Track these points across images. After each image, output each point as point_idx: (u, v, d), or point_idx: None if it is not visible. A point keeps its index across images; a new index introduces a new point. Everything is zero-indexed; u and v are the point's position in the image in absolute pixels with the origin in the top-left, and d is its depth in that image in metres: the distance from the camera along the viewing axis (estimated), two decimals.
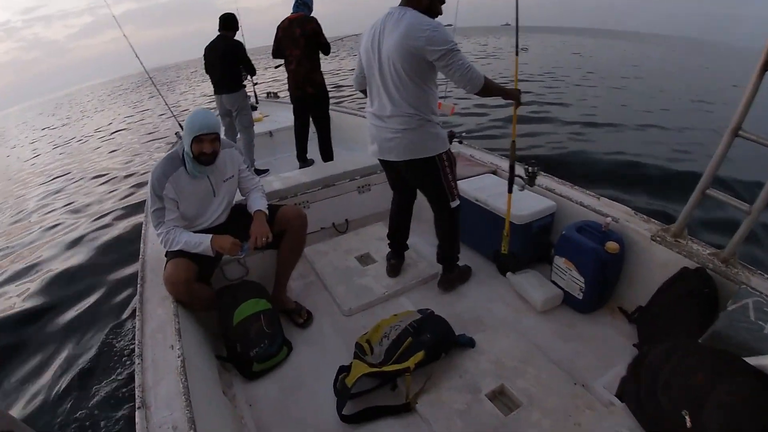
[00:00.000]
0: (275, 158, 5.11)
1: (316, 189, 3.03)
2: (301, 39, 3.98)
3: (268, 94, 6.96)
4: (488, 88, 1.95)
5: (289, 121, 4.59)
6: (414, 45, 1.85)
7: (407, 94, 1.98)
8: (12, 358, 3.23)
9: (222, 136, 2.21)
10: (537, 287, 2.42)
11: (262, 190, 2.38)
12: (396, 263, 2.65)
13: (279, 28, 4.12)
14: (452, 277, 2.56)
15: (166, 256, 2.11)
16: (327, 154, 4.48)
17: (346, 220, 3.25)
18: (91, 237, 5.14)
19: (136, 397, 1.46)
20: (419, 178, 2.25)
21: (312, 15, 4.09)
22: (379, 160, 2.30)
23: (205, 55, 4.39)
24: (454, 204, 2.29)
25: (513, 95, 2.13)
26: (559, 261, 2.35)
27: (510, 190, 2.37)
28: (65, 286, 4.14)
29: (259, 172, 4.62)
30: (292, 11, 4.10)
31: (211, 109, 6.35)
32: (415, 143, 2.08)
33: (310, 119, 4.42)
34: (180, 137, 4.98)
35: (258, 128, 4.80)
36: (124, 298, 3.72)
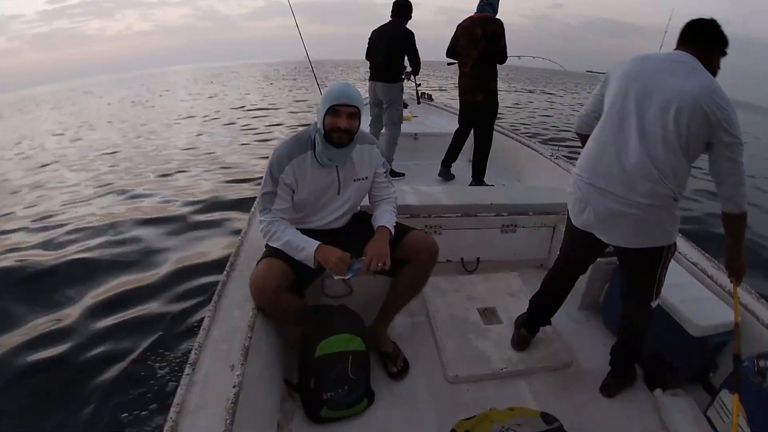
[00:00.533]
0: (414, 163, 4.64)
1: (453, 215, 2.58)
2: (482, 41, 3.63)
3: (423, 94, 6.57)
4: (743, 221, 1.50)
5: (438, 126, 4.24)
6: (711, 109, 1.39)
7: (675, 158, 1.46)
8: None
9: (364, 126, 1.85)
10: (689, 422, 1.74)
11: (395, 203, 1.98)
12: (527, 336, 2.07)
13: (459, 26, 3.84)
14: (623, 383, 1.96)
15: (265, 247, 1.80)
16: (479, 173, 4.02)
17: (478, 259, 2.73)
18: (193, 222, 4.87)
19: (169, 418, 1.16)
20: (636, 267, 1.72)
21: (498, 17, 3.73)
22: (576, 228, 1.77)
23: (370, 38, 4.15)
24: (655, 304, 1.73)
25: (738, 263, 1.63)
26: (726, 397, 1.68)
27: (738, 388, 1.61)
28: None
29: (395, 175, 4.23)
30: (476, 11, 3.79)
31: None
32: (656, 226, 1.55)
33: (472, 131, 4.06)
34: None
35: (403, 128, 4.46)
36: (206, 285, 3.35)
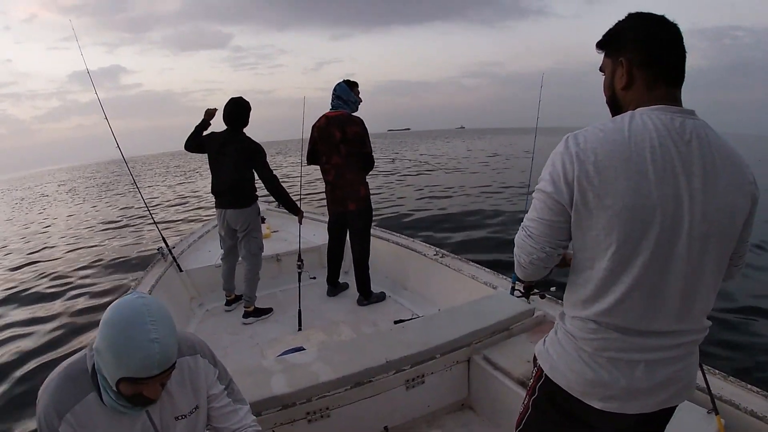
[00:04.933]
0: (281, 290, 3.88)
1: (342, 389, 1.89)
2: (342, 145, 3.19)
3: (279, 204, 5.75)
4: None
5: (303, 241, 3.64)
6: (752, 187, 1.00)
7: (714, 288, 1.02)
8: None
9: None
10: None
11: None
12: None
13: (314, 127, 3.32)
14: None
15: None
16: (364, 287, 3.53)
17: (386, 427, 2.05)
18: None
19: None
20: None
21: (356, 114, 3.31)
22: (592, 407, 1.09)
23: (207, 147, 3.30)
24: None
25: None
26: None
27: None
28: None
29: (260, 312, 3.43)
30: (330, 107, 3.31)
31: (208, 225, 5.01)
32: (694, 375, 1.11)
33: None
34: (162, 253, 3.71)
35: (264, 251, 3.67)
36: None
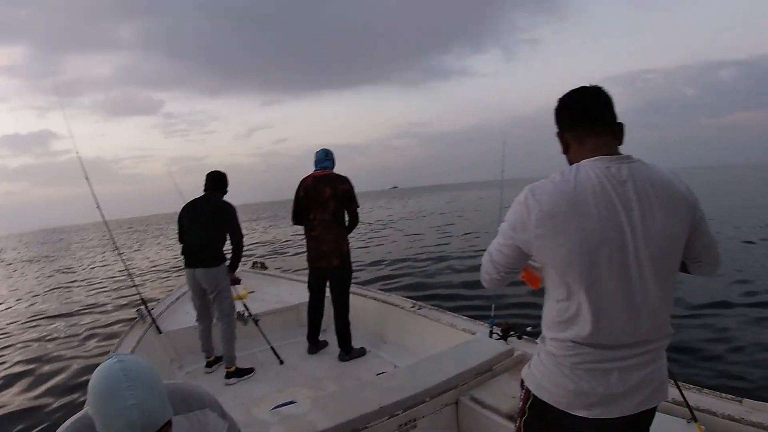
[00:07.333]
0: (260, 350, 3.86)
1: None
2: (331, 201, 3.39)
3: (254, 263, 5.88)
4: None
5: (279, 300, 3.82)
6: (690, 207, 1.15)
7: (669, 300, 1.17)
8: None
9: (177, 383, 1.29)
10: None
11: None
12: None
13: (301, 187, 3.50)
14: None
15: None
16: (345, 341, 3.58)
17: None
18: None
19: None
20: None
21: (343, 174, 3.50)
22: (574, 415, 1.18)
23: (180, 217, 3.50)
24: None
25: None
26: None
27: None
28: None
29: (242, 372, 3.43)
30: (315, 168, 3.54)
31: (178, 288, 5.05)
32: (665, 377, 1.22)
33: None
34: (141, 315, 3.79)
35: (240, 309, 3.72)
36: None
